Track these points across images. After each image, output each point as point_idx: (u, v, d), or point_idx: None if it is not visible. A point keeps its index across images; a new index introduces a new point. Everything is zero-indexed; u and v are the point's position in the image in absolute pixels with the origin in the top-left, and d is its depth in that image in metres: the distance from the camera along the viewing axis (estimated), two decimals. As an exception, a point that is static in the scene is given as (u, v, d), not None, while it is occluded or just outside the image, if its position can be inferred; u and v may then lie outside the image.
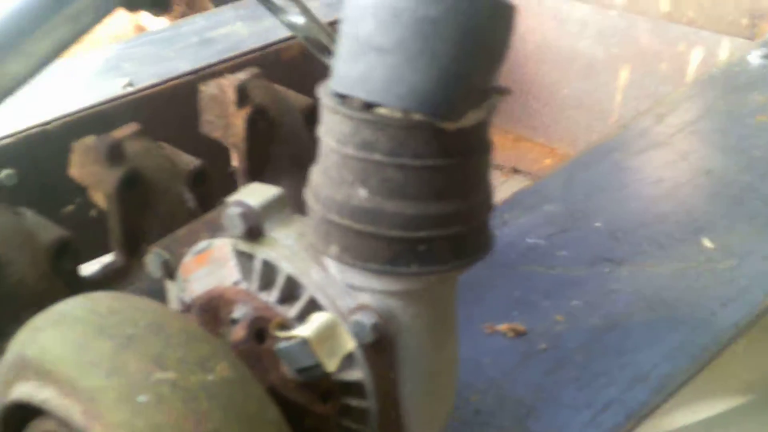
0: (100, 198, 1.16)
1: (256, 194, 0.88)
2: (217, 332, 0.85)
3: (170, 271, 0.94)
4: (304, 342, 0.78)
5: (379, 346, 0.81)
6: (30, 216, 1.07)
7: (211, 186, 1.24)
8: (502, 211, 1.37)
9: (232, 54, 1.79)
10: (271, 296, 0.85)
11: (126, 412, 0.67)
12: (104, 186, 1.14)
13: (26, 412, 0.74)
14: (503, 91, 0.79)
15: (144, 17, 2.54)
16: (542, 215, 1.38)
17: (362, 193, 0.77)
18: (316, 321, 0.79)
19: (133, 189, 1.14)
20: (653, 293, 1.21)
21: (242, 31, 1.93)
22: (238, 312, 0.85)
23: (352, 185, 0.77)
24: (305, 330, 0.78)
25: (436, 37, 0.71)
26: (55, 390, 0.70)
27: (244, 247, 0.86)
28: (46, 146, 1.48)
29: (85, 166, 1.16)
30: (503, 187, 2.15)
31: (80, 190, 1.21)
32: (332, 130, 0.77)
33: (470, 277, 0.87)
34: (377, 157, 0.75)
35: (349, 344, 0.80)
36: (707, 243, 1.31)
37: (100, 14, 0.98)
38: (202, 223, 0.97)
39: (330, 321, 0.79)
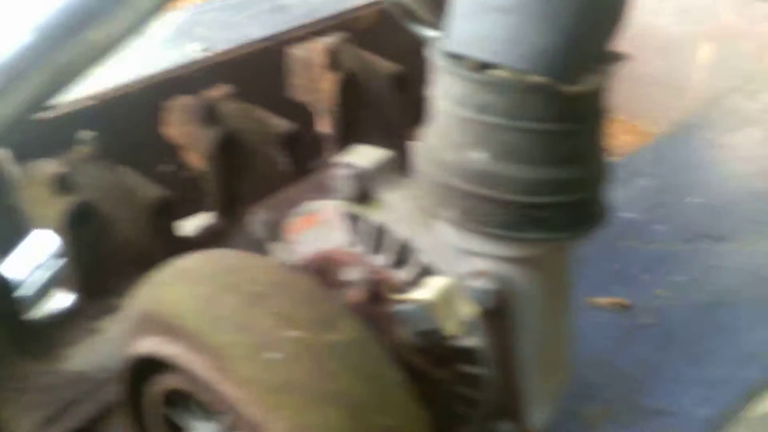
0: (195, 158, 1.15)
1: (366, 156, 0.86)
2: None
3: (274, 232, 0.93)
4: (427, 305, 0.76)
5: (499, 312, 0.79)
6: (130, 175, 1.07)
7: (303, 150, 1.23)
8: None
9: (306, 20, 1.77)
10: (384, 260, 0.84)
11: (255, 369, 0.67)
12: (201, 146, 1.13)
13: (151, 366, 0.74)
14: (619, 57, 0.76)
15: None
16: (635, 189, 1.35)
17: (483, 156, 0.75)
18: (436, 285, 0.78)
19: (230, 150, 1.14)
20: (755, 270, 1.19)
21: (314, -2, 1.91)
22: (350, 274, 0.84)
23: (472, 148, 0.75)
24: (426, 293, 0.77)
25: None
26: (183, 345, 0.69)
27: (355, 209, 0.85)
28: (128, 109, 1.48)
29: (181, 125, 1.15)
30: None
31: (162, 153, 1.21)
32: (448, 92, 0.76)
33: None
34: (496, 119, 0.73)
35: (469, 309, 0.78)
36: (804, 221, 1.28)
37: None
38: (306, 184, 0.96)
39: (451, 285, 0.78)
